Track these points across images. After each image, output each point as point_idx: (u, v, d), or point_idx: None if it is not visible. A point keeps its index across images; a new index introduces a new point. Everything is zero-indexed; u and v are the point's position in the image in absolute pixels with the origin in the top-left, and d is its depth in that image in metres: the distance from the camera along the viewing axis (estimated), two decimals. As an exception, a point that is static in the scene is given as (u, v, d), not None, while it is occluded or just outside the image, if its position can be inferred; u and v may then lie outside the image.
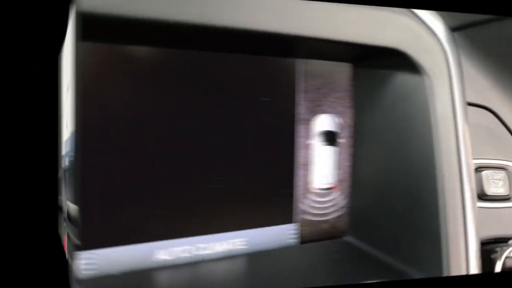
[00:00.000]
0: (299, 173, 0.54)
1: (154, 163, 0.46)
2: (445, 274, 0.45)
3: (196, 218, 0.48)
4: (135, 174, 0.45)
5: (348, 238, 0.58)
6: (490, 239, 0.54)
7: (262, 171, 0.51)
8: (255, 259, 0.51)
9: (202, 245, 0.49)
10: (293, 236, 0.54)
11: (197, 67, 0.48)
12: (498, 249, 0.52)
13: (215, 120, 0.49)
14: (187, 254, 0.48)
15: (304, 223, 0.55)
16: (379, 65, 0.52)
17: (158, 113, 0.46)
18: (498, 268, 0.51)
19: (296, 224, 0.54)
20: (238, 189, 0.50)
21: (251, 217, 0.51)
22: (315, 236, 0.55)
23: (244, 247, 0.51)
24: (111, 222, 0.44)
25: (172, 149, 0.47)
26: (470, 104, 0.55)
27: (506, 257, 0.52)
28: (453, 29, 0.52)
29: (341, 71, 0.55)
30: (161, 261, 0.47)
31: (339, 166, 0.56)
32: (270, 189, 0.52)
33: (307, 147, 0.54)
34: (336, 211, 0.57)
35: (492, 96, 0.58)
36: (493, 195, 0.55)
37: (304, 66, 0.53)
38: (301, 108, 0.53)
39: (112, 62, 0.44)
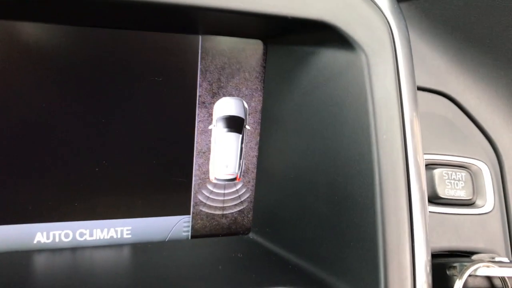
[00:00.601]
0: (196, 161, 0.52)
1: (37, 143, 0.47)
2: (382, 289, 0.41)
3: (80, 202, 0.49)
4: (16, 153, 0.46)
5: (253, 236, 0.56)
6: (445, 251, 0.50)
7: (156, 158, 0.50)
8: (139, 250, 0.50)
9: (84, 231, 0.50)
10: (187, 229, 0.54)
11: (85, 44, 0.46)
12: (456, 264, 0.46)
13: (103, 101, 0.47)
14: (68, 239, 0.49)
15: (200, 216, 0.54)
16: (299, 41, 0.48)
17: (42, 94, 0.46)
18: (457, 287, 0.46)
19: (190, 216, 0.53)
20: (127, 176, 0.50)
21: (140, 206, 0.51)
22: (213, 231, 0.55)
23: (128, 236, 0.51)
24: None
25: (57, 131, 0.47)
26: (422, 89, 0.51)
27: (470, 276, 0.46)
28: (400, -1, 0.48)
29: (251, 48, 0.52)
30: (41, 244, 0.49)
31: (243, 155, 0.54)
32: (163, 177, 0.51)
33: (207, 133, 0.52)
34: (237, 205, 0.55)
35: (451, 79, 0.53)
36: (450, 199, 0.50)
37: (207, 43, 0.50)
38: (202, 90, 0.51)
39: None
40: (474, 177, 0.52)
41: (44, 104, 0.45)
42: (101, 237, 0.50)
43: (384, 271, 0.40)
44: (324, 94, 0.45)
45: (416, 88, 0.44)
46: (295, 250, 0.49)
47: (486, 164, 0.53)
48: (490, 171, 0.53)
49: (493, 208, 0.52)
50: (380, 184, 0.41)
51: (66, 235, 0.49)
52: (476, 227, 0.51)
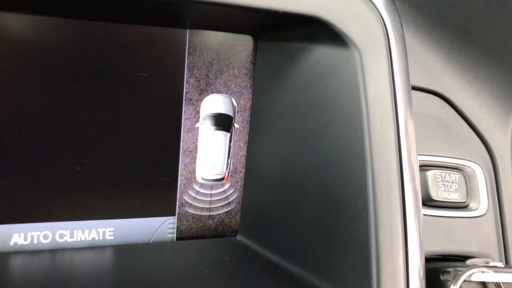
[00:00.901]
0: (182, 160, 0.52)
1: (14, 139, 0.45)
2: (375, 294, 0.39)
3: (60, 202, 0.47)
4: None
5: (240, 238, 0.55)
6: (438, 255, 0.49)
7: (140, 156, 0.49)
8: (122, 252, 0.49)
9: (64, 232, 0.49)
10: (172, 230, 0.53)
11: (67, 38, 0.45)
12: (450, 269, 0.46)
13: (85, 97, 0.46)
14: (47, 240, 0.49)
15: (185, 217, 0.53)
16: (291, 37, 0.47)
17: (21, 89, 0.44)
18: (451, 293, 0.45)
19: (176, 217, 0.53)
20: (110, 174, 0.49)
21: (123, 206, 0.50)
22: (199, 233, 0.54)
23: (111, 238, 0.50)
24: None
25: (36, 127, 0.46)
26: (415, 88, 0.50)
27: (464, 281, 0.46)
28: (395, -5, 0.47)
29: (240, 44, 0.52)
30: (18, 246, 0.48)
31: (231, 155, 0.54)
32: (147, 177, 0.50)
33: (193, 131, 0.51)
34: (224, 206, 0.54)
35: (445, 79, 0.52)
36: (443, 201, 0.50)
37: (195, 38, 0.49)
38: (188, 86, 0.50)
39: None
40: (467, 179, 0.52)
41: (23, 100, 0.44)
42: (82, 239, 0.49)
43: (376, 276, 0.39)
44: (315, 92, 0.45)
45: (411, 87, 0.43)
46: (284, 253, 0.48)
47: (480, 166, 0.52)
48: (484, 173, 0.52)
49: (486, 211, 0.52)
50: (373, 185, 0.40)
51: (45, 236, 0.48)
52: (470, 231, 0.51)
